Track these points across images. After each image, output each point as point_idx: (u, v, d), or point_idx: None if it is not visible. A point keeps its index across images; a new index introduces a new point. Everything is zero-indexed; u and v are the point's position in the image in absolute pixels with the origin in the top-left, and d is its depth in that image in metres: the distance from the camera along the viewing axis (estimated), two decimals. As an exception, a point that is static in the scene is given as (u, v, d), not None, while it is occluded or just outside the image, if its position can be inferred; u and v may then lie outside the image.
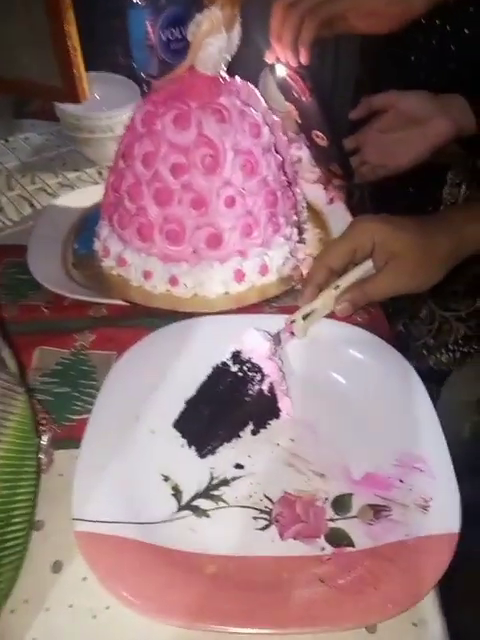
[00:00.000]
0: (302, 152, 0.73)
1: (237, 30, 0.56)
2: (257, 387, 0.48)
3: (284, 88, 0.67)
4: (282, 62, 0.64)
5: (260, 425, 0.48)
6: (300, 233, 0.66)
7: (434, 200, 0.85)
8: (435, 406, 1.24)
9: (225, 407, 0.48)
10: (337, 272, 0.55)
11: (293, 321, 0.52)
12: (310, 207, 0.71)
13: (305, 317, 0.53)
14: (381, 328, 0.59)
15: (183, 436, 0.47)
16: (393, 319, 1.02)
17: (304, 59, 0.61)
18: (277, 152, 0.61)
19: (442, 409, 1.31)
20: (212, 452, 0.46)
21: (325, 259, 0.55)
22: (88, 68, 0.83)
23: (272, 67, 0.93)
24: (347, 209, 0.73)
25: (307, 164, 0.82)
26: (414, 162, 0.68)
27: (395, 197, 0.87)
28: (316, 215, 0.71)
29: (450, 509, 0.39)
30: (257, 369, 0.49)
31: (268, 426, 0.48)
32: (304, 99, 0.64)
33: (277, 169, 0.60)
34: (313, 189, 0.74)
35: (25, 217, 0.76)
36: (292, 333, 0.52)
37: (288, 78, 0.65)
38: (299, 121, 0.70)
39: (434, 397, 1.30)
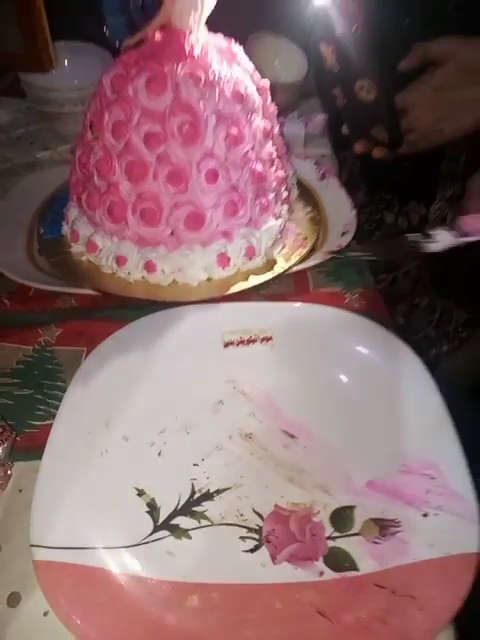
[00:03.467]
0: (287, 127, 0.67)
1: (216, -20, 0.50)
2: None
3: (322, 22, 0.52)
4: None
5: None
6: (291, 211, 0.60)
7: (431, 176, 0.80)
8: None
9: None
10: None
11: None
12: (300, 183, 0.65)
13: None
14: (381, 316, 0.53)
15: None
16: (392, 310, 0.98)
17: None
18: (265, 120, 0.54)
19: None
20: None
21: None
22: (57, 37, 0.76)
23: (257, 36, 0.87)
24: (340, 185, 0.67)
25: (298, 138, 0.76)
26: (478, 126, 0.58)
27: (389, 173, 0.82)
28: (307, 192, 0.65)
29: (467, 525, 0.34)
30: None
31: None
32: (354, 30, 0.50)
33: (265, 138, 0.54)
34: (303, 164, 0.68)
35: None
36: None
37: (331, 4, 0.50)
38: (337, 68, 0.55)
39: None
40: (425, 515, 0.36)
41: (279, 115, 0.74)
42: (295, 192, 0.64)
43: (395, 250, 0.47)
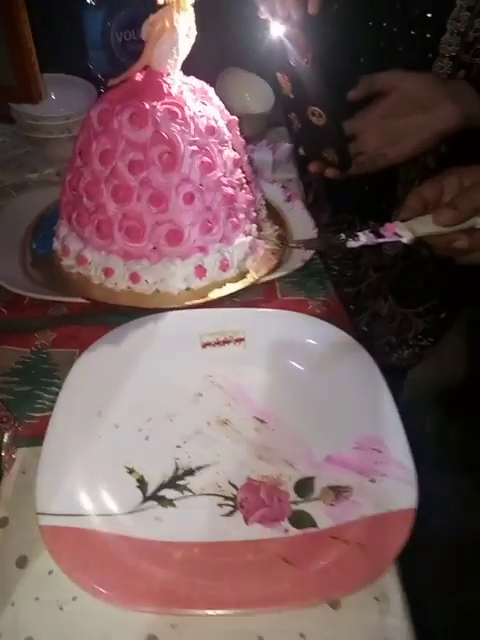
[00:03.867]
0: (257, 154, 0.74)
1: (192, 29, 0.57)
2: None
3: (278, 54, 0.56)
4: (279, 17, 0.54)
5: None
6: (259, 229, 0.67)
7: (389, 198, 0.88)
8: (398, 400, 1.28)
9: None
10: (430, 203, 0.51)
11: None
12: (269, 205, 0.73)
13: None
14: (340, 320, 0.60)
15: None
16: (356, 319, 1.05)
17: (314, 7, 0.52)
18: (234, 150, 0.62)
19: (404, 404, 1.35)
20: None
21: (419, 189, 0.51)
22: (45, 70, 0.83)
23: (229, 71, 0.95)
24: (304, 207, 0.74)
25: (266, 163, 0.84)
26: (418, 151, 0.63)
27: (350, 196, 0.89)
28: (275, 212, 0.73)
29: (406, 486, 0.41)
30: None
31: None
32: (305, 63, 0.54)
33: (234, 166, 0.61)
34: (271, 188, 0.76)
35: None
36: (396, 233, 0.49)
37: (284, 39, 0.54)
38: (292, 96, 0.60)
39: (397, 391, 1.34)
40: (372, 481, 0.42)
41: (249, 143, 0.83)
42: (264, 212, 0.71)
43: (325, 244, 0.54)
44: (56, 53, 0.90)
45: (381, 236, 0.49)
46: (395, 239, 0.50)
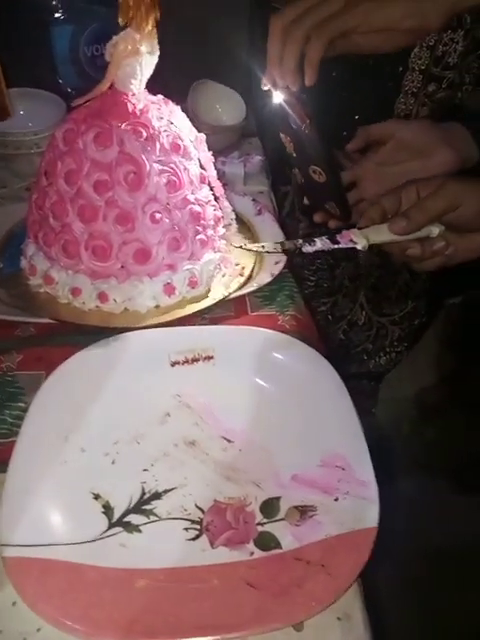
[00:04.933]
0: (228, 167, 0.75)
1: (155, 48, 0.57)
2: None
3: (280, 117, 0.58)
4: (279, 87, 0.56)
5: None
6: (229, 244, 0.67)
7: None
8: (375, 404, 1.29)
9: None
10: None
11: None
12: (239, 218, 0.73)
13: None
14: (309, 334, 0.61)
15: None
16: (333, 328, 1.06)
17: (310, 80, 0.54)
18: (202, 167, 0.62)
19: (382, 406, 1.37)
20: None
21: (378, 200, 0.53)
22: (13, 85, 0.82)
23: (201, 83, 0.96)
24: (275, 220, 0.75)
25: (237, 176, 0.84)
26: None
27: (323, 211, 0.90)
28: (245, 226, 0.73)
29: (369, 505, 0.41)
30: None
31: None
32: (304, 128, 0.57)
33: (201, 184, 0.61)
34: (242, 201, 0.76)
35: None
36: (352, 240, 0.51)
37: (285, 105, 0.57)
38: (294, 154, 0.62)
39: (374, 395, 1.36)
40: (336, 499, 0.43)
41: (220, 155, 0.83)
42: (234, 226, 0.71)
43: (283, 248, 0.56)
44: (25, 68, 0.89)
45: (337, 242, 0.51)
46: (351, 245, 0.52)
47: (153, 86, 0.61)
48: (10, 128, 0.80)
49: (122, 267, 0.58)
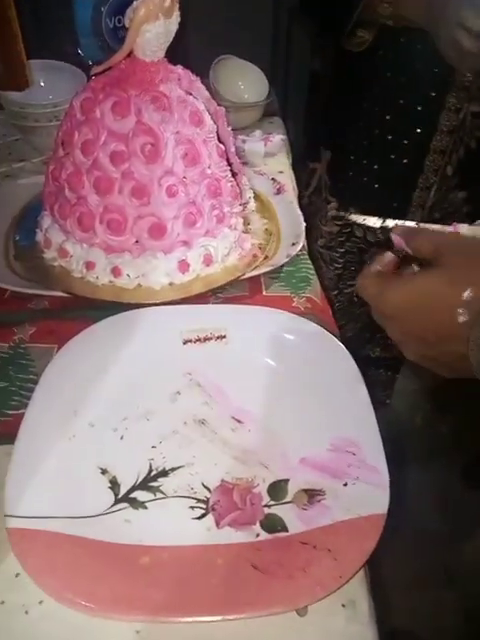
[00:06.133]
0: (248, 144, 0.73)
1: (176, 16, 0.56)
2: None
3: None
4: None
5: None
6: (246, 223, 0.66)
7: (403, 200, 0.86)
8: (391, 395, 1.27)
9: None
10: None
11: None
12: (258, 197, 0.71)
13: None
14: (324, 317, 0.59)
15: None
16: (359, 310, 1.04)
17: None
18: (220, 141, 0.60)
19: (397, 397, 1.35)
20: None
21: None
22: (34, 56, 0.81)
23: (224, 59, 0.93)
24: (295, 199, 0.73)
25: (257, 155, 0.82)
26: None
27: (359, 191, 0.88)
28: (264, 205, 0.71)
29: (379, 491, 0.40)
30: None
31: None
32: None
33: (220, 158, 0.59)
34: (261, 179, 0.74)
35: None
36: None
37: None
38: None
39: (390, 385, 1.33)
40: (345, 484, 0.42)
41: (242, 133, 0.81)
42: (252, 205, 0.70)
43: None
44: (46, 39, 0.88)
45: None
46: None
47: (174, 58, 0.59)
48: (30, 100, 0.79)
49: (137, 242, 0.57)
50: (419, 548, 0.93)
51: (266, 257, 0.64)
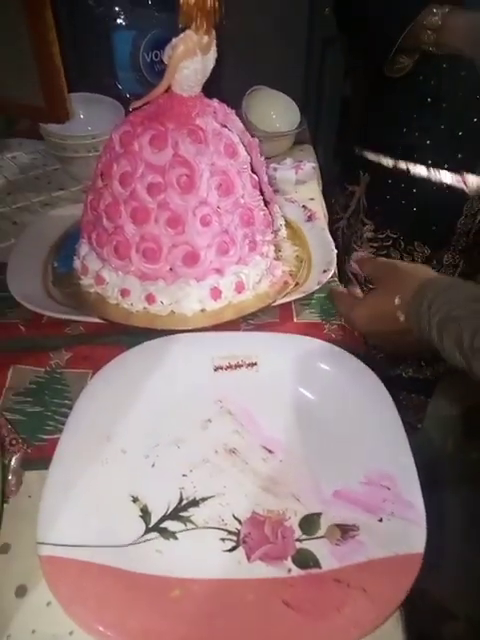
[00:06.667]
0: (279, 172, 0.74)
1: (213, 52, 0.57)
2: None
3: None
4: None
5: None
6: (278, 250, 0.66)
7: (446, 225, 0.87)
8: (422, 419, 1.24)
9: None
10: None
11: None
12: (289, 224, 0.72)
13: None
14: (355, 344, 0.59)
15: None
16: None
17: None
18: (253, 171, 0.61)
19: (428, 423, 1.32)
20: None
21: None
22: (74, 89, 0.84)
23: (256, 89, 0.95)
24: (326, 226, 0.73)
25: (289, 182, 0.83)
26: None
27: (397, 214, 0.88)
28: (295, 232, 0.72)
29: (415, 528, 0.39)
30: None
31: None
32: None
33: (253, 188, 0.60)
34: (292, 207, 0.75)
35: (7, 235, 0.76)
36: None
37: None
38: None
39: (422, 410, 1.30)
40: (380, 520, 0.41)
41: (273, 161, 0.82)
42: (284, 232, 0.70)
43: None
44: (86, 72, 0.92)
45: None
46: None
47: (209, 90, 0.61)
48: (69, 131, 0.82)
49: (171, 269, 0.58)
50: (451, 576, 0.90)
51: (297, 284, 0.64)
